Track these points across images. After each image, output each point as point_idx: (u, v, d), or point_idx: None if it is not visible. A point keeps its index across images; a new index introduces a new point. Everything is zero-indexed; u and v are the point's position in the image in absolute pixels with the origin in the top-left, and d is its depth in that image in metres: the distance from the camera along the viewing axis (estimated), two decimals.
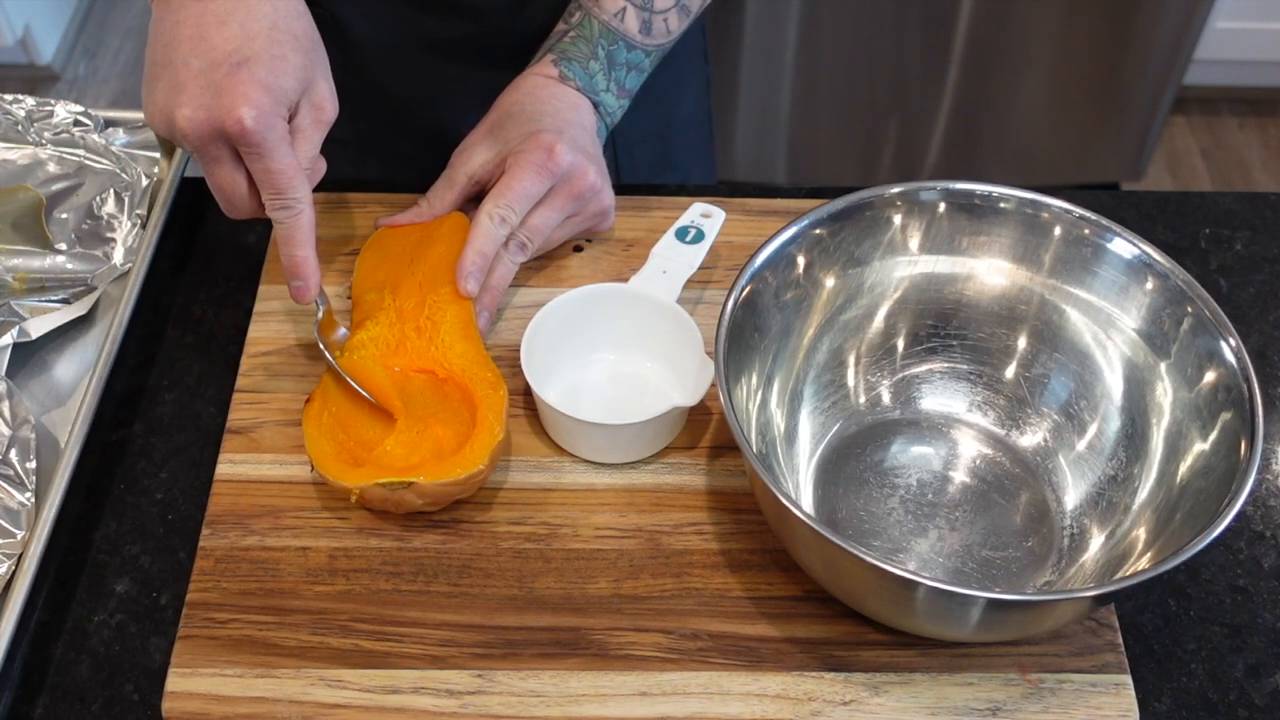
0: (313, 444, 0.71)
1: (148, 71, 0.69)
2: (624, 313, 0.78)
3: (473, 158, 0.80)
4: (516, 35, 0.90)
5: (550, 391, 0.75)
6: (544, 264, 0.84)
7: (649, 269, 0.79)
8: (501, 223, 0.76)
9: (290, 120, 0.70)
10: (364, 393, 0.74)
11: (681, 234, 0.82)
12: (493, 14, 0.88)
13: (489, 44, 0.90)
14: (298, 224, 0.71)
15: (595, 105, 0.82)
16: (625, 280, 0.79)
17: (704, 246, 0.81)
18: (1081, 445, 0.73)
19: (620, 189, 0.88)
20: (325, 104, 0.71)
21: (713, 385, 0.71)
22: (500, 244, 0.77)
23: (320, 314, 0.76)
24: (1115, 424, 0.72)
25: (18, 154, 0.88)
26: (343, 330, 0.77)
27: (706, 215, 0.83)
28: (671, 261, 0.80)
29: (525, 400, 0.77)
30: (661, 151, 1.04)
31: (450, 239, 0.79)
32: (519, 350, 0.80)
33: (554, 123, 0.78)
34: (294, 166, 0.69)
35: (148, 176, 0.87)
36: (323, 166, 0.74)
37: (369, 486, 0.68)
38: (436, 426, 0.73)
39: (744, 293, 0.69)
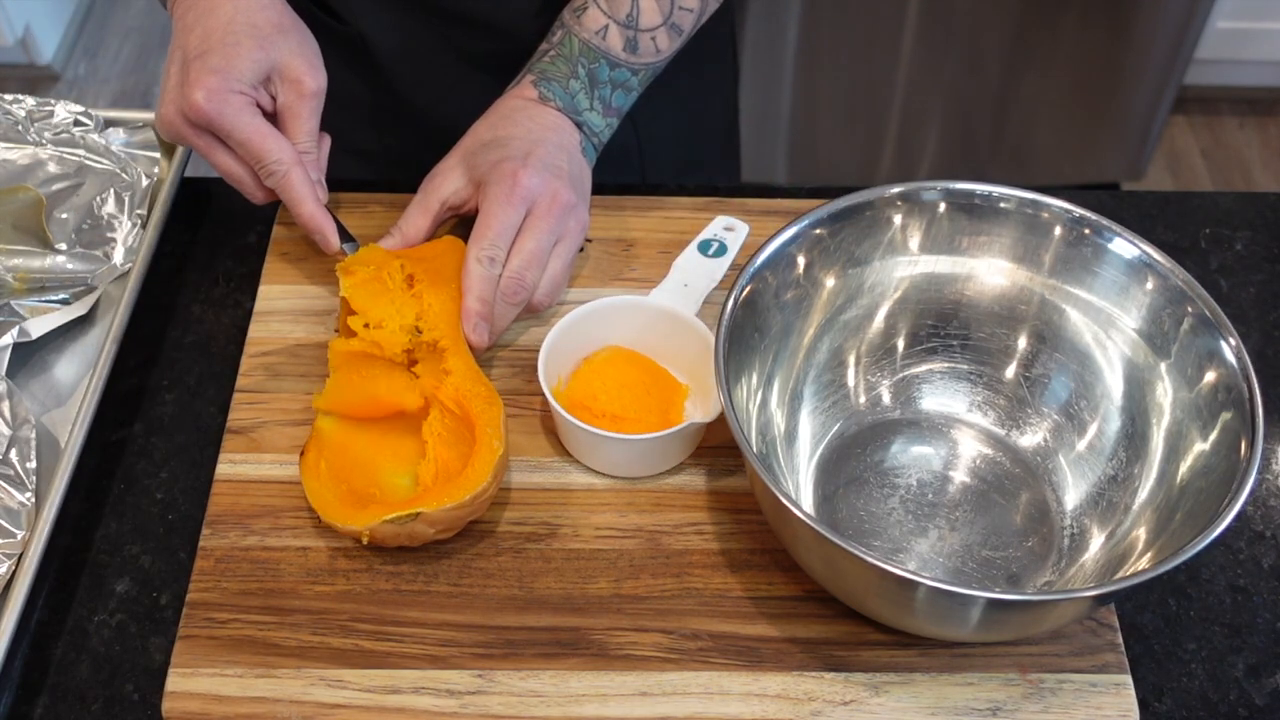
0: (314, 496, 0.70)
1: (164, 81, 0.79)
2: (644, 325, 0.77)
3: (445, 184, 0.80)
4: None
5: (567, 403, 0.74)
6: None
7: (670, 281, 0.79)
8: (491, 263, 0.75)
9: (276, 101, 0.78)
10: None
11: (704, 247, 0.81)
12: (515, 29, 0.88)
13: (515, 59, 0.90)
14: (288, 183, 0.76)
15: (579, 125, 0.81)
16: (628, 281, 0.79)
17: (726, 260, 0.80)
18: (1082, 445, 0.73)
19: (644, 190, 0.88)
20: (303, 78, 0.77)
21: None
22: (495, 284, 0.76)
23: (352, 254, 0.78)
24: (1115, 424, 0.72)
25: (18, 154, 0.88)
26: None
27: (730, 229, 0.83)
28: (693, 275, 0.80)
29: (525, 400, 0.77)
30: (687, 152, 1.03)
31: (445, 257, 0.79)
32: (520, 350, 0.80)
33: (522, 147, 0.78)
34: (260, 134, 0.75)
35: (148, 176, 0.87)
36: (326, 142, 0.81)
37: (377, 525, 0.67)
38: (440, 449, 0.72)
39: (744, 293, 0.69)
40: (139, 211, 0.85)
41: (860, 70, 1.92)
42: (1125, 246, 0.71)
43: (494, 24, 0.88)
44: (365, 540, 0.68)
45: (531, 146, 0.78)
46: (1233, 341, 0.67)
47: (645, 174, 1.00)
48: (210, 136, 0.76)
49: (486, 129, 0.80)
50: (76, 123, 0.89)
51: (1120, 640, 0.68)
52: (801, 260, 0.73)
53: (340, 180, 0.85)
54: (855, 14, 1.84)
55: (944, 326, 0.77)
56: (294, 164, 0.76)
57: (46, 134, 0.89)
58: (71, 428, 0.74)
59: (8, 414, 0.74)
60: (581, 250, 0.85)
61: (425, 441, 0.72)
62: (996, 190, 0.73)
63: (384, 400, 0.74)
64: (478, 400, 0.72)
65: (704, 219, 0.85)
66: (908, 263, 0.76)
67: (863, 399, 0.77)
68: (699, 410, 0.75)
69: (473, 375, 0.73)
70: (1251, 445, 0.63)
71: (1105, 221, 0.72)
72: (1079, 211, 0.72)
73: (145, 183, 0.87)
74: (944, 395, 0.77)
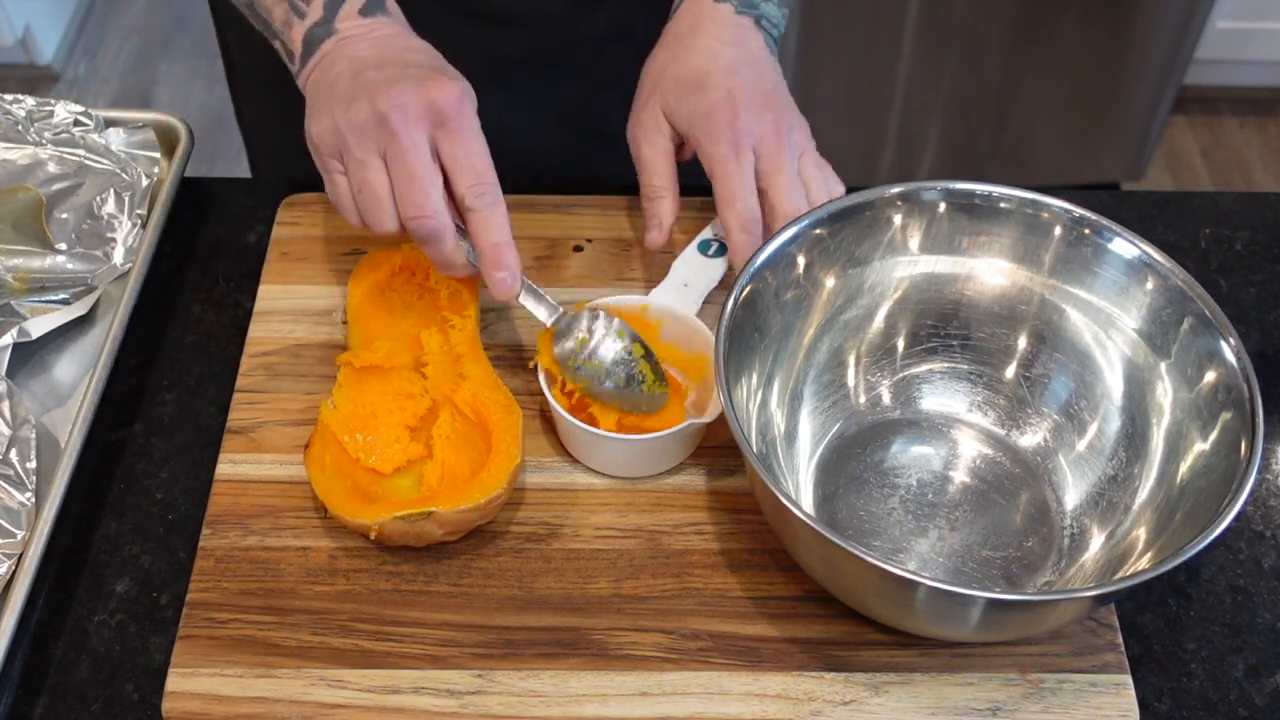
0: (321, 488, 0.69)
1: (321, 105, 0.70)
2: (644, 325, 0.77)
3: (657, 152, 0.77)
4: (576, 47, 0.88)
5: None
6: (544, 263, 0.84)
7: (670, 281, 0.79)
8: (755, 223, 0.73)
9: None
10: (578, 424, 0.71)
11: (704, 247, 0.81)
12: (550, 25, 0.87)
13: (548, 57, 0.88)
14: (498, 210, 0.70)
15: (757, 21, 0.77)
16: (628, 281, 0.79)
17: (726, 260, 0.80)
18: (1082, 445, 0.73)
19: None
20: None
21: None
22: (761, 235, 0.73)
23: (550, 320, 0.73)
24: (1115, 424, 0.72)
25: (18, 154, 0.88)
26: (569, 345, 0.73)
27: None
28: (693, 275, 0.79)
29: (525, 400, 0.77)
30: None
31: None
32: (520, 350, 0.80)
33: (719, 81, 0.74)
34: (488, 152, 0.70)
35: (148, 176, 0.87)
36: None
37: (387, 521, 0.66)
38: (447, 451, 0.72)
39: (744, 293, 0.69)
40: (139, 211, 0.85)
41: (860, 70, 1.93)
42: (1125, 246, 0.71)
43: (525, 20, 0.87)
44: (373, 535, 0.68)
45: (727, 79, 0.75)
46: (1233, 341, 0.67)
47: None
48: (376, 153, 0.69)
49: (670, 58, 0.77)
50: (76, 123, 0.89)
51: (1120, 640, 0.68)
52: (801, 260, 0.73)
53: None
54: (855, 14, 1.85)
55: (944, 326, 0.77)
56: (501, 193, 0.70)
57: (46, 134, 0.89)
58: (71, 428, 0.74)
59: (8, 414, 0.74)
60: (581, 250, 0.85)
61: (432, 442, 0.72)
62: (996, 190, 0.73)
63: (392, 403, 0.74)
64: (497, 408, 0.72)
65: (704, 219, 0.85)
66: (908, 263, 0.76)
67: (863, 399, 0.77)
68: (699, 410, 0.75)
69: (490, 382, 0.73)
70: (1251, 445, 0.63)
71: (1105, 221, 0.72)
72: (1079, 211, 0.72)
73: (145, 183, 0.87)
74: (944, 395, 0.77)
